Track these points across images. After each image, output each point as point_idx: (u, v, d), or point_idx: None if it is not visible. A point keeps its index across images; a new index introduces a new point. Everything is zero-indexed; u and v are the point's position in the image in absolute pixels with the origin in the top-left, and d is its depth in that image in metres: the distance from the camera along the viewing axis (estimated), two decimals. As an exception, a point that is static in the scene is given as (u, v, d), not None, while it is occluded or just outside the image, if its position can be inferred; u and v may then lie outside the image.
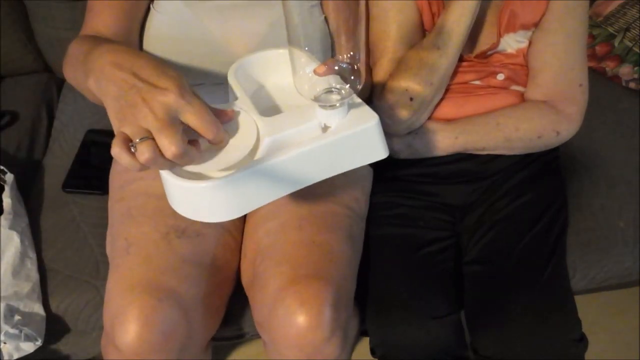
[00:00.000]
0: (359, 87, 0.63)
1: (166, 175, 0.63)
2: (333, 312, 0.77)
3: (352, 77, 0.62)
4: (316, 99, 0.64)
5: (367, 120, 0.65)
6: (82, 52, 0.69)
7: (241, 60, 0.77)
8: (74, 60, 0.73)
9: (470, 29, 0.88)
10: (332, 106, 0.64)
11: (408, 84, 0.90)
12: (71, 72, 0.77)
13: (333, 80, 0.63)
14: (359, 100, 0.68)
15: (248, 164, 0.62)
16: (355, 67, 0.62)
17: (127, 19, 0.86)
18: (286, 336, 0.77)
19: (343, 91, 0.63)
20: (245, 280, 0.91)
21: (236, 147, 0.65)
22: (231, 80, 0.74)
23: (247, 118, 0.68)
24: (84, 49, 0.70)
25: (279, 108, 0.76)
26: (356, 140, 0.66)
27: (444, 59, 0.89)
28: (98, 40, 0.75)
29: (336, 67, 0.62)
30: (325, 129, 0.66)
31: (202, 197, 0.63)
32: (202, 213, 0.64)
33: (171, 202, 0.67)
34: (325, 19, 0.89)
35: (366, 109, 0.67)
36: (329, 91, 0.64)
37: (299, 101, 0.67)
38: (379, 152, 0.68)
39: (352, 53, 0.61)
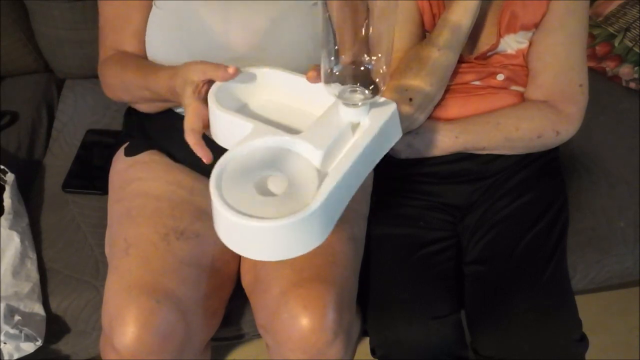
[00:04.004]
0: (384, 88, 0.64)
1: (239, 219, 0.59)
2: (336, 314, 0.78)
3: (378, 79, 0.63)
4: (341, 97, 0.64)
5: (388, 106, 0.68)
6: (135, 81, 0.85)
7: (220, 83, 0.73)
8: (126, 87, 0.88)
9: (471, 30, 0.88)
10: (355, 105, 0.65)
11: (408, 84, 0.90)
12: (125, 96, 0.92)
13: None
14: None
15: (321, 191, 0.61)
16: (382, 70, 0.63)
17: (138, 36, 0.90)
18: (290, 339, 0.78)
19: (367, 92, 0.64)
20: (246, 282, 0.91)
21: (297, 189, 0.63)
22: (218, 108, 0.70)
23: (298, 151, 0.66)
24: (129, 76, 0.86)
25: (278, 125, 0.74)
26: (386, 128, 0.67)
27: (444, 59, 0.89)
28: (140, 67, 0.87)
29: (362, 68, 0.63)
30: (354, 127, 0.67)
31: (284, 236, 0.60)
32: (272, 253, 0.62)
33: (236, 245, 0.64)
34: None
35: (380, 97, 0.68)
36: (354, 90, 0.64)
37: (292, 117, 0.69)
38: (398, 132, 0.71)
39: (380, 55, 0.61)
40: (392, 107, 0.68)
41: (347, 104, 0.65)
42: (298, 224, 0.59)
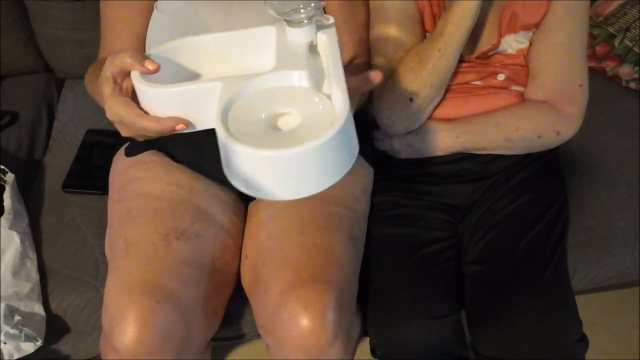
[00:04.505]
0: (323, 2, 0.65)
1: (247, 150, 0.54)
2: (336, 314, 0.78)
3: None
4: (282, 14, 0.64)
5: (329, 20, 0.68)
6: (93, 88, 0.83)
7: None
8: (92, 93, 0.87)
9: (471, 30, 0.88)
10: (301, 23, 0.65)
11: (408, 84, 0.90)
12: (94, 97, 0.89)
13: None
14: None
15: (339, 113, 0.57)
16: None
17: (139, 39, 0.90)
18: (290, 339, 0.78)
19: (310, 7, 0.63)
20: (246, 283, 0.91)
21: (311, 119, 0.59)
22: (158, 86, 0.65)
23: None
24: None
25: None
26: (338, 42, 0.67)
27: (445, 60, 0.89)
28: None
29: None
30: (312, 49, 0.66)
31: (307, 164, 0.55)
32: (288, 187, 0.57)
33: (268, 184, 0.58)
34: None
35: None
36: (297, 11, 0.64)
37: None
38: (342, 49, 0.69)
39: None
40: (331, 20, 0.68)
41: (293, 25, 0.65)
42: (336, 137, 0.54)
